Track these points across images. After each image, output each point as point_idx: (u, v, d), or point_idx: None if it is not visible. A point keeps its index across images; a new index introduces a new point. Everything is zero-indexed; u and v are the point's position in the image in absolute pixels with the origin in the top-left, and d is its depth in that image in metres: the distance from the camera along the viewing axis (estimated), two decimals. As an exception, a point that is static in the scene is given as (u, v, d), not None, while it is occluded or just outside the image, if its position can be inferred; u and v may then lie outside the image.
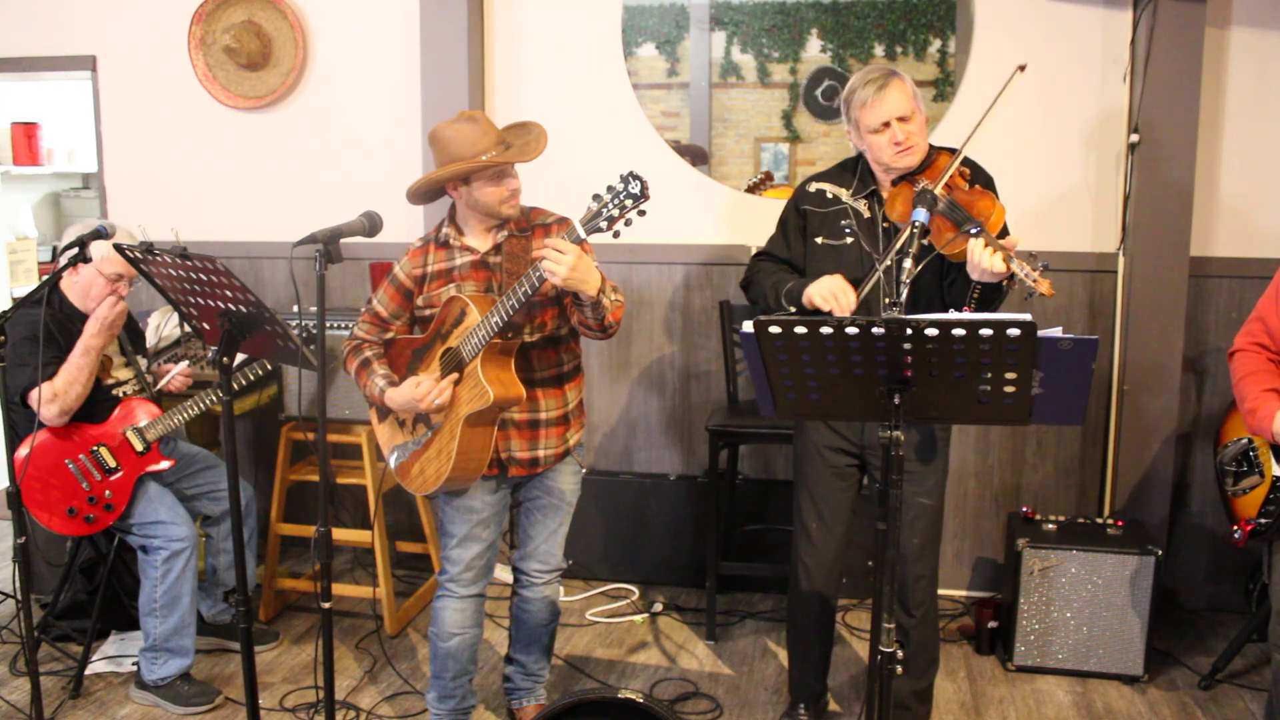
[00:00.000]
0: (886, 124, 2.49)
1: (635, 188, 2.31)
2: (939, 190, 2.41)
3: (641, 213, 2.34)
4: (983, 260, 2.24)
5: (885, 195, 2.57)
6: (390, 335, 2.73)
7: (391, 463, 2.75)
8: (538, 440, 2.68)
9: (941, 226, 2.39)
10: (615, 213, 2.33)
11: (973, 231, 2.30)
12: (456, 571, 2.73)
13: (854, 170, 2.66)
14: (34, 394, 2.87)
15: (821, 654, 2.91)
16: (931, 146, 2.58)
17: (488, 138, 2.51)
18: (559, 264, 2.32)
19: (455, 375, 2.54)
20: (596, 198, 2.36)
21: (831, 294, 2.43)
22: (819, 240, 2.63)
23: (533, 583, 2.83)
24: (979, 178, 2.57)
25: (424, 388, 2.53)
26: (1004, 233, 2.40)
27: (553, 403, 2.69)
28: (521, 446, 2.67)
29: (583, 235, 2.36)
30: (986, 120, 2.48)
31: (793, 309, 2.54)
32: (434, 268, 2.65)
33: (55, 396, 2.91)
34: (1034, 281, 2.16)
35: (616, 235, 2.36)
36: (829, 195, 2.65)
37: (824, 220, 2.64)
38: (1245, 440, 2.91)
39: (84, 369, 2.95)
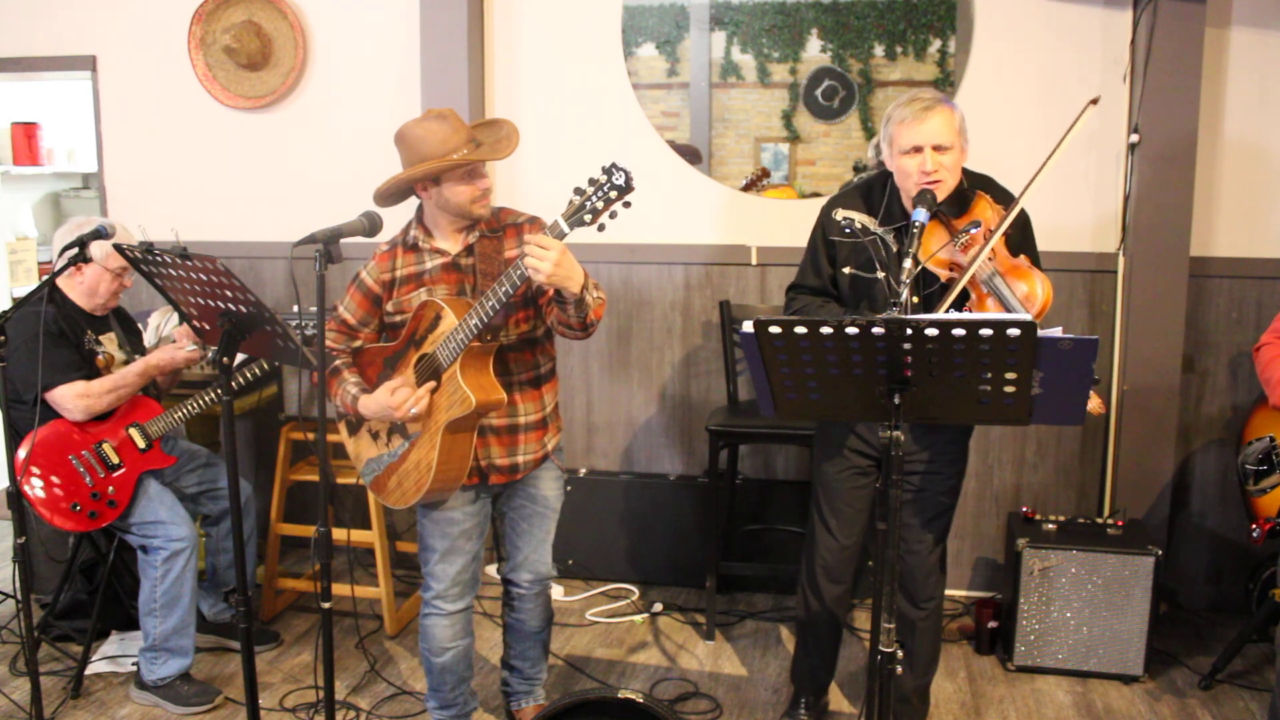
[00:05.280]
0: (919, 148, 2.40)
1: (620, 179, 2.20)
2: (984, 258, 2.34)
3: (627, 204, 2.23)
4: None
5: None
6: (358, 343, 2.64)
7: (366, 478, 2.67)
8: (517, 446, 2.61)
9: (982, 298, 2.36)
10: (600, 205, 2.22)
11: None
12: (442, 588, 2.65)
13: (879, 193, 2.56)
14: (58, 390, 2.91)
15: (831, 648, 2.92)
16: (968, 175, 2.50)
17: (458, 135, 2.43)
18: (543, 260, 2.20)
19: (433, 382, 2.45)
20: (579, 191, 2.24)
21: None
22: (847, 271, 2.57)
23: (525, 594, 2.79)
24: (1020, 237, 2.49)
25: (400, 395, 2.43)
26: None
27: (531, 406, 2.62)
28: (501, 453, 2.60)
29: (566, 231, 2.24)
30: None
31: None
32: (403, 271, 2.56)
33: (87, 394, 2.97)
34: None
35: (601, 229, 2.24)
36: (858, 225, 2.57)
37: (854, 250, 2.56)
38: (1268, 439, 2.92)
39: (132, 387, 3.05)
